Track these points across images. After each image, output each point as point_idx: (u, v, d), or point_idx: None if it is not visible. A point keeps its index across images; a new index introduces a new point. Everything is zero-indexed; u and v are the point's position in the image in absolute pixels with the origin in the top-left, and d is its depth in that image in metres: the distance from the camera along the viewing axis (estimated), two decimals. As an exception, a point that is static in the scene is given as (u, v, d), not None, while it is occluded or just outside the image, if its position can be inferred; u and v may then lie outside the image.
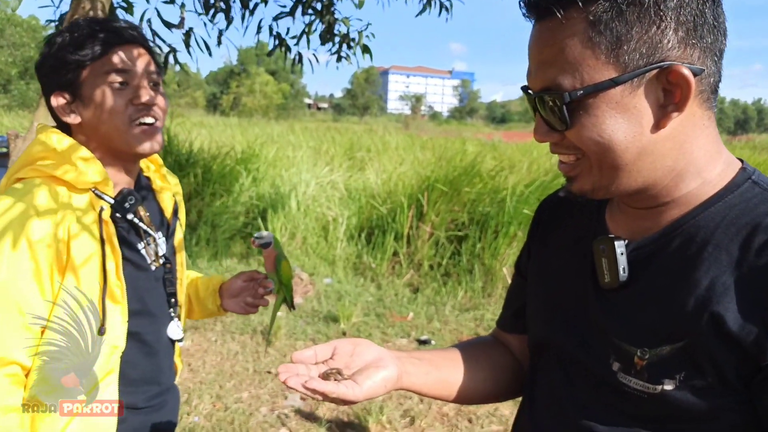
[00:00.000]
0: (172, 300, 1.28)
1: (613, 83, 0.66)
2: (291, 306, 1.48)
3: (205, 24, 2.93)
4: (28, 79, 32.37)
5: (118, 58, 1.09)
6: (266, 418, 3.05)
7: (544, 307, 0.88)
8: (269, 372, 3.59)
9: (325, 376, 0.75)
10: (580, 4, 0.65)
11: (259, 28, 3.04)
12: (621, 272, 0.74)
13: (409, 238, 5.73)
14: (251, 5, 2.90)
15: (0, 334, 0.98)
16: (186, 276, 1.44)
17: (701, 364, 0.66)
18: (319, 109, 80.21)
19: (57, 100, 1.11)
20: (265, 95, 56.01)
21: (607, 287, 0.75)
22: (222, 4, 2.85)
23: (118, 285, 1.10)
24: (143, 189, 1.27)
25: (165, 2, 2.62)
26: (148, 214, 1.24)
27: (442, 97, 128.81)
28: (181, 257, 1.35)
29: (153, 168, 1.32)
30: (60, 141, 1.09)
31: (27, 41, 33.67)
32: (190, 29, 2.72)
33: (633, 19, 0.64)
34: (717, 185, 0.72)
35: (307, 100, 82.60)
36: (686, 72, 0.65)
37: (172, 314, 1.29)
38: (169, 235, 1.29)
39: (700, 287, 0.67)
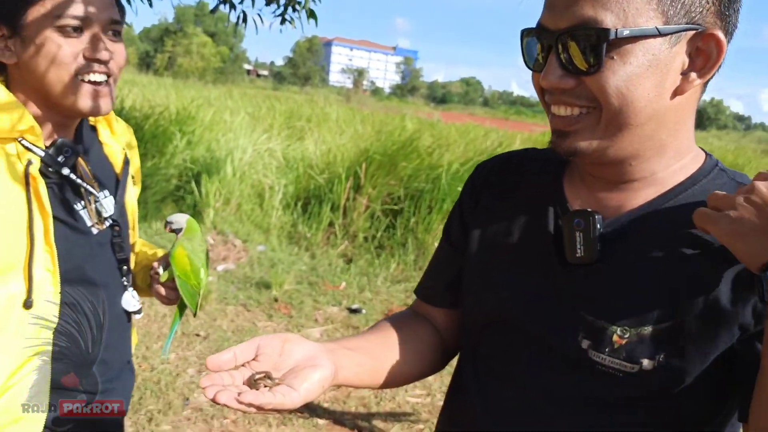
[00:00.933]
0: (124, 267, 1.13)
1: (657, 32, 0.63)
2: (192, 311, 1.17)
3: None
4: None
5: (73, 8, 0.92)
6: (193, 379, 3.05)
7: (493, 279, 0.82)
8: (197, 335, 3.57)
9: (252, 383, 0.65)
10: None
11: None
12: (597, 247, 0.71)
13: (346, 210, 5.77)
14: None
15: None
16: (136, 241, 1.27)
17: (684, 346, 0.66)
18: (258, 76, 78.15)
19: None
20: (202, 57, 53.98)
21: (577, 262, 0.73)
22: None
23: (47, 250, 0.95)
24: (86, 140, 1.10)
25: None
26: (90, 168, 1.07)
27: (385, 73, 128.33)
28: (132, 219, 1.20)
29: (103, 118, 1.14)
30: None
31: None
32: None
33: None
34: (690, 169, 0.73)
35: (247, 66, 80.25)
36: (722, 38, 0.65)
37: (125, 283, 1.14)
38: (117, 194, 1.13)
39: (689, 270, 0.67)
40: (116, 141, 1.17)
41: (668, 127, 0.70)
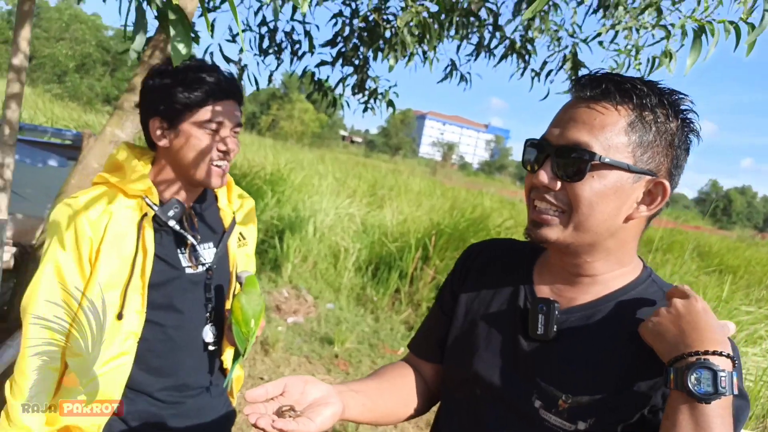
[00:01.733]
0: (209, 305, 1.37)
1: (628, 168, 0.84)
2: (241, 352, 1.35)
3: (257, 63, 3.37)
4: (82, 73, 33.63)
5: (216, 110, 1.27)
6: (245, 419, 3.33)
7: (471, 344, 0.99)
8: (261, 378, 3.89)
9: (279, 413, 0.81)
10: (635, 101, 0.84)
11: (304, 72, 3.49)
12: (554, 329, 0.90)
13: (413, 278, 6.04)
14: (300, 53, 3.35)
15: (39, 303, 1.22)
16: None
17: (607, 413, 0.83)
18: (352, 142, 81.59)
19: (154, 124, 1.31)
20: (302, 122, 57.27)
21: (537, 338, 0.90)
22: (275, 49, 3.30)
23: (141, 278, 1.25)
24: (206, 203, 1.41)
25: (228, 41, 3.06)
26: (197, 222, 1.36)
27: (475, 149, 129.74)
28: (233, 267, 1.43)
29: (224, 188, 1.45)
30: (122, 156, 1.32)
31: (88, 38, 35.16)
32: (245, 66, 3.15)
33: (658, 139, 0.85)
34: (630, 276, 0.92)
35: (343, 132, 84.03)
36: (668, 186, 0.86)
37: (208, 318, 1.38)
38: (219, 247, 1.39)
39: (620, 358, 0.85)
40: (229, 207, 1.46)
41: (615, 241, 0.89)
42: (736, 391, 0.74)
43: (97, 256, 1.24)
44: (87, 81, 34.30)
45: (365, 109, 3.43)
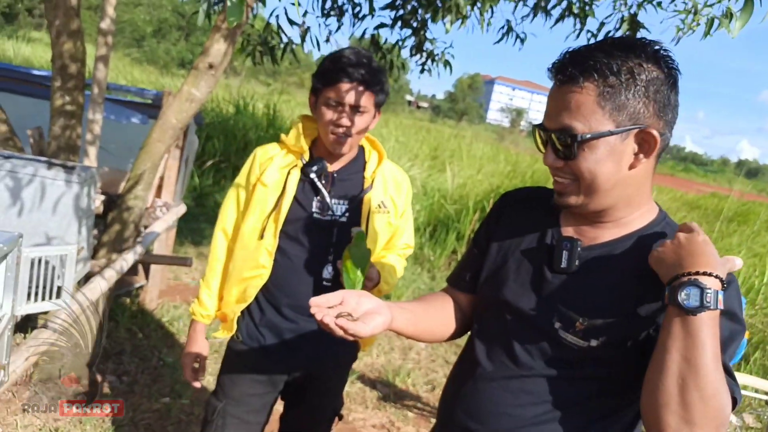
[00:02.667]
0: (330, 249, 1.64)
1: (610, 133, 0.94)
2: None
3: (319, 25, 3.51)
4: (159, 38, 34.84)
5: (338, 91, 1.54)
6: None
7: (502, 275, 1.12)
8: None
9: (339, 317, 0.96)
10: (596, 75, 0.93)
11: (363, 34, 3.61)
12: (576, 263, 1.02)
13: (469, 240, 6.16)
14: (360, 15, 3.46)
15: (222, 213, 1.72)
16: (384, 252, 1.76)
17: (616, 332, 0.96)
18: (418, 107, 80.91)
19: (310, 98, 1.65)
20: (369, 86, 57.02)
21: (561, 271, 1.03)
22: (337, 11, 3.42)
23: (278, 211, 1.60)
24: (352, 168, 1.69)
25: (291, 4, 3.22)
26: (334, 180, 1.64)
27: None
28: (372, 227, 1.67)
29: (375, 157, 1.73)
30: (295, 124, 1.70)
31: (164, 3, 36.26)
32: (308, 28, 3.30)
33: (630, 96, 0.93)
34: (647, 218, 1.03)
35: (409, 97, 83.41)
36: (656, 134, 0.95)
37: (329, 259, 1.64)
38: (352, 206, 1.66)
39: (632, 287, 0.97)
40: (372, 176, 1.69)
41: (631, 188, 1.00)
42: (721, 306, 0.85)
43: (254, 189, 1.63)
44: (163, 45, 35.60)
45: (422, 71, 3.52)
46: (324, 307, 0.97)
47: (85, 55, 2.55)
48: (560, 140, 0.97)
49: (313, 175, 1.61)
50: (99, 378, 2.95)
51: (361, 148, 1.74)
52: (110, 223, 2.75)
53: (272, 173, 1.63)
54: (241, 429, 1.69)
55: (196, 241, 5.49)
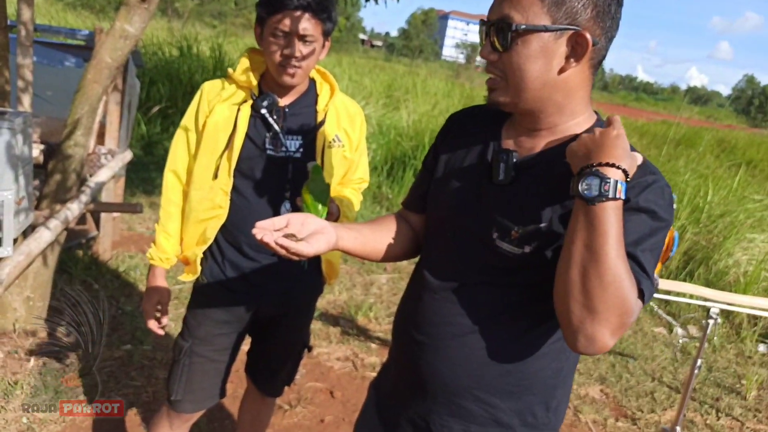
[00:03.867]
0: (286, 185, 1.62)
1: (545, 29, 0.93)
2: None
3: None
4: (92, -20, 32.68)
5: (283, 19, 1.48)
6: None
7: (445, 192, 1.14)
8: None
9: (285, 237, 0.98)
10: None
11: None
12: (512, 174, 1.02)
13: (427, 176, 6.18)
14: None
15: (172, 155, 1.66)
16: (339, 188, 1.74)
17: (545, 239, 0.97)
18: (372, 46, 79.12)
19: (255, 30, 1.58)
20: (320, 25, 55.25)
21: (498, 183, 1.04)
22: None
23: (231, 150, 1.56)
24: (302, 103, 1.64)
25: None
26: (286, 114, 1.60)
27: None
28: (327, 161, 1.65)
29: (327, 90, 1.69)
30: (241, 58, 1.64)
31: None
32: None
33: None
34: (584, 125, 1.02)
35: (362, 36, 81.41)
36: (589, 38, 0.93)
37: (286, 196, 1.62)
38: (306, 141, 1.63)
39: (559, 192, 0.97)
40: (324, 109, 1.66)
41: (560, 93, 0.99)
42: (620, 196, 0.86)
43: (204, 127, 1.59)
44: (98, -12, 33.40)
45: (376, 1, 3.40)
46: (268, 230, 0.98)
47: (2, -9, 2.37)
48: (496, 30, 0.96)
49: (264, 111, 1.57)
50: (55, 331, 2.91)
51: (312, 81, 1.69)
52: (51, 173, 2.64)
53: (221, 110, 1.58)
54: (209, 367, 1.70)
55: (147, 190, 5.35)
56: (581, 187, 0.88)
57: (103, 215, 3.65)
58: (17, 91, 2.73)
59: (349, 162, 1.73)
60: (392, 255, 1.25)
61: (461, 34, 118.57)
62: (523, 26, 0.94)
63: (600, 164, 0.88)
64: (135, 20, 2.38)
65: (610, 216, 0.86)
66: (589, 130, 1.02)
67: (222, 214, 1.62)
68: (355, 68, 14.47)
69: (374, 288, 4.20)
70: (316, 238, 1.01)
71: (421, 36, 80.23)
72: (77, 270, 3.47)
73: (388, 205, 6.03)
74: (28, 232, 2.48)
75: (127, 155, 3.70)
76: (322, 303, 3.72)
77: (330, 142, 1.66)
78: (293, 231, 1.01)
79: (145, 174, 5.75)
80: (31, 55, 2.74)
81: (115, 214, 3.89)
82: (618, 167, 0.88)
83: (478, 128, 1.15)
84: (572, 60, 0.96)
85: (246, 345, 1.88)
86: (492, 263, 1.04)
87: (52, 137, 3.54)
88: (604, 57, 1.01)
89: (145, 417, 2.44)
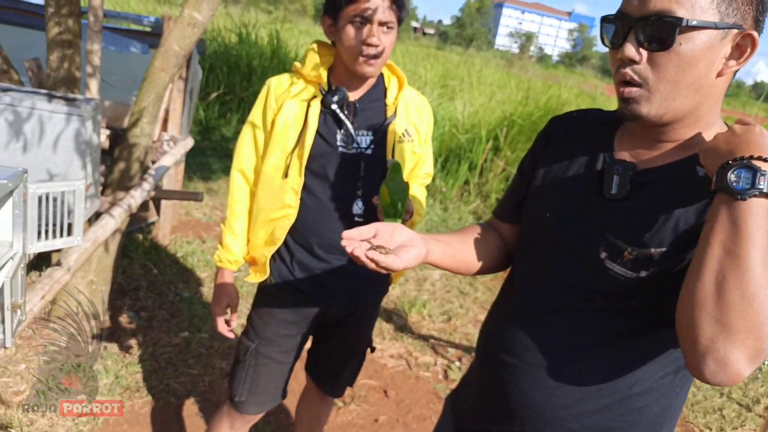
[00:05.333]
0: (358, 183, 1.56)
1: (714, 26, 0.82)
2: None
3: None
4: (154, -35, 33.39)
5: (364, 6, 1.41)
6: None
7: (546, 203, 1.04)
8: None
9: (371, 250, 0.92)
10: None
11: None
12: (627, 188, 0.92)
13: (482, 170, 6.04)
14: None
15: (238, 153, 1.61)
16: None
17: (669, 262, 0.87)
18: (424, 34, 78.39)
19: (325, 21, 1.51)
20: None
21: (611, 197, 0.93)
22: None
23: (302, 147, 1.51)
24: (372, 96, 1.58)
25: None
26: (356, 110, 1.54)
27: (555, 39, 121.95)
28: (398, 156, 1.58)
29: (395, 84, 1.61)
30: (309, 51, 1.57)
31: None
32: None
33: None
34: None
35: (414, 23, 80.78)
36: (757, 38, 0.85)
37: (358, 194, 1.56)
38: (377, 137, 1.57)
39: (687, 212, 0.87)
40: (395, 103, 1.59)
41: (709, 101, 0.89)
42: None
43: (273, 125, 1.53)
44: (159, -26, 34.21)
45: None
46: (356, 240, 0.93)
47: (77, -23, 2.38)
48: (655, 26, 0.84)
49: (334, 106, 1.51)
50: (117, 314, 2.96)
51: (380, 75, 1.61)
52: (116, 160, 2.67)
53: (291, 107, 1.52)
54: (274, 369, 1.66)
55: (204, 176, 5.41)
56: (729, 178, 0.76)
57: (163, 201, 3.70)
58: (85, 77, 2.76)
59: (417, 157, 1.66)
60: (482, 269, 1.17)
61: (516, 23, 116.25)
62: (695, 22, 0.82)
63: (752, 157, 0.76)
64: (203, 8, 2.35)
65: (760, 215, 0.74)
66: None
67: (292, 214, 1.56)
68: (409, 56, 14.29)
69: (427, 284, 4.12)
70: (405, 251, 0.95)
71: (475, 24, 79.01)
72: (137, 254, 3.53)
73: (441, 198, 5.92)
74: (92, 218, 2.51)
75: (189, 142, 3.73)
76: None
77: (400, 137, 1.59)
78: (382, 242, 0.95)
79: (202, 159, 5.82)
80: (100, 41, 2.76)
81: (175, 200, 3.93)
82: None
83: (585, 135, 1.05)
84: (732, 62, 0.86)
85: (307, 344, 1.84)
86: (598, 287, 0.94)
87: (116, 122, 3.60)
88: None
89: (203, 406, 2.45)
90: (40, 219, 1.62)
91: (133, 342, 2.78)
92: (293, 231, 1.59)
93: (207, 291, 3.39)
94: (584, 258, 0.95)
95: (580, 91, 14.47)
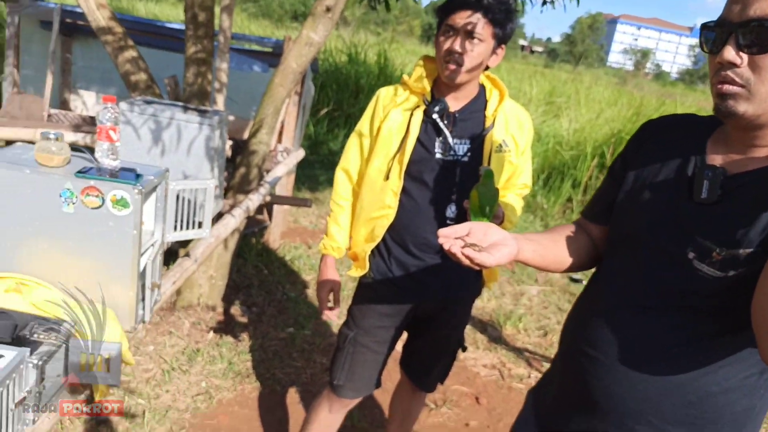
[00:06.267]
0: (453, 188, 1.66)
1: None
2: None
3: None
4: (273, -8, 35.58)
5: (453, 17, 1.55)
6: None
7: (636, 205, 1.07)
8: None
9: (465, 247, 0.99)
10: None
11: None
12: (718, 193, 0.95)
13: (587, 188, 5.90)
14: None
15: (345, 156, 1.79)
16: (503, 192, 1.74)
17: (756, 263, 0.89)
18: (532, 52, 77.08)
19: (435, 38, 1.65)
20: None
21: (701, 201, 0.96)
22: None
23: (403, 153, 1.64)
24: (472, 108, 1.68)
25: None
26: (456, 120, 1.65)
27: (675, 56, 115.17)
28: (493, 165, 1.66)
29: (496, 96, 1.70)
30: (417, 65, 1.71)
31: (278, -43, 36.77)
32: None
33: None
34: None
35: (522, 42, 79.65)
36: None
37: (452, 198, 1.66)
38: (474, 146, 1.67)
39: None
40: (494, 114, 1.67)
41: None
42: None
43: (378, 132, 1.68)
44: (277, -1, 36.46)
45: (544, 3, 3.34)
46: (451, 237, 1.00)
47: (213, 3, 2.69)
48: (757, 30, 0.86)
49: (435, 116, 1.63)
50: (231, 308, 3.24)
51: (482, 87, 1.71)
52: (237, 166, 2.94)
53: (396, 115, 1.66)
54: (369, 357, 1.80)
55: (312, 187, 5.73)
56: None
57: (275, 207, 3.99)
58: (214, 92, 3.08)
59: (514, 167, 1.73)
60: (571, 266, 1.23)
61: (630, 39, 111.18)
62: None
63: None
64: (319, 29, 2.57)
65: None
66: None
67: (391, 214, 1.69)
68: (514, 74, 14.20)
69: (524, 299, 4.10)
70: (497, 248, 1.01)
71: (586, 41, 76.52)
72: (251, 256, 3.83)
73: (542, 215, 5.86)
74: (214, 218, 2.80)
75: (300, 153, 4.00)
76: (471, 308, 3.72)
77: (497, 147, 1.68)
78: (475, 240, 1.02)
79: (310, 171, 6.16)
80: (227, 60, 3.07)
81: (285, 207, 4.22)
82: None
83: (677, 139, 1.07)
84: None
85: (402, 340, 1.95)
86: (685, 286, 0.97)
87: (237, 134, 3.94)
88: None
89: (303, 396, 2.63)
90: (176, 213, 1.86)
91: (244, 334, 3.03)
92: (391, 230, 1.71)
93: (311, 292, 3.61)
94: (673, 258, 0.98)
95: (698, 108, 13.62)
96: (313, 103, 7.38)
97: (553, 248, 1.18)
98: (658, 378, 1.00)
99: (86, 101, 4.36)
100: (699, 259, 0.94)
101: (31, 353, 1.20)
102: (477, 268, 1.00)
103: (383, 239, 1.74)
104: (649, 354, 1.01)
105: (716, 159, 1.00)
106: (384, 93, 1.73)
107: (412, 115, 1.65)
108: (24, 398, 1.20)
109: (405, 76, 1.72)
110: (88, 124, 3.74)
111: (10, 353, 1.16)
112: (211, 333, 2.98)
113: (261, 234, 4.24)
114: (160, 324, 2.98)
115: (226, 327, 3.06)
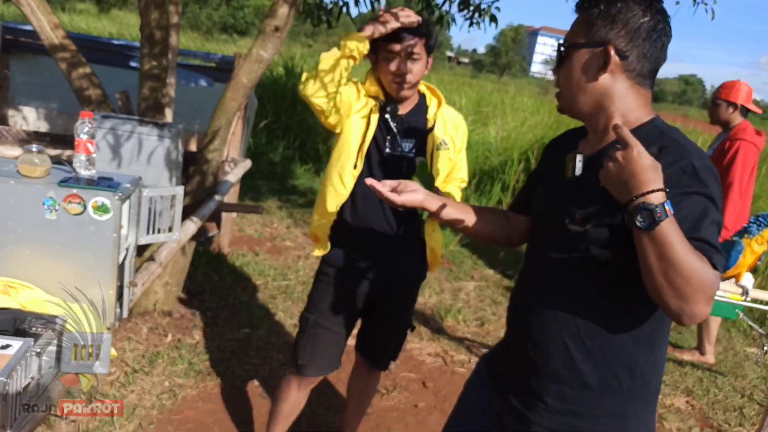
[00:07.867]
0: (400, 179, 1.93)
1: (581, 45, 1.20)
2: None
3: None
4: (201, 3, 35.03)
5: (391, 46, 1.85)
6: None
7: (539, 194, 1.41)
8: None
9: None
10: (585, 5, 1.21)
11: (413, -9, 3.79)
12: (577, 171, 1.23)
13: (515, 190, 6.34)
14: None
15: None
16: (444, 185, 2.02)
17: (601, 218, 1.16)
18: (459, 63, 79.32)
19: (370, 58, 1.93)
20: (408, 43, 56.11)
21: (569, 179, 1.25)
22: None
23: (362, 145, 1.93)
24: (417, 111, 1.99)
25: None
26: (403, 121, 1.95)
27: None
28: (435, 161, 1.96)
29: (435, 102, 2.03)
30: (367, 76, 1.99)
31: (204, -32, 36.23)
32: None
33: (600, 22, 1.18)
34: (632, 125, 1.17)
35: (449, 53, 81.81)
36: (613, 53, 1.16)
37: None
38: (418, 143, 1.98)
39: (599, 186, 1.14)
40: (433, 117, 2.00)
41: (597, 99, 1.21)
42: (670, 214, 1.00)
43: (348, 118, 1.95)
44: (205, 11, 35.92)
45: (470, 24, 3.70)
46: (381, 185, 1.35)
47: (168, 22, 2.84)
48: (559, 51, 1.25)
49: (387, 116, 1.93)
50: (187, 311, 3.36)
51: (423, 95, 2.02)
52: (192, 175, 3.09)
53: (359, 111, 1.95)
54: (329, 337, 2.02)
55: (254, 197, 5.86)
56: (637, 222, 1.02)
57: (223, 216, 4.12)
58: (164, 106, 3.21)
59: (453, 163, 2.03)
60: (485, 235, 1.52)
61: (550, 50, 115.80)
62: (566, 45, 1.24)
63: (641, 195, 1.02)
64: (269, 47, 2.78)
65: (669, 229, 1.01)
66: (637, 131, 1.17)
67: (345, 194, 1.96)
68: (443, 85, 14.73)
69: (462, 294, 4.42)
70: (408, 194, 1.37)
71: (510, 53, 79.56)
72: (201, 263, 3.94)
73: (475, 217, 6.23)
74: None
75: (248, 163, 4.17)
76: (414, 304, 4.00)
77: (438, 145, 1.98)
78: (400, 189, 1.38)
79: (252, 182, 6.29)
80: (175, 76, 3.22)
81: (233, 216, 4.36)
82: (656, 190, 1.02)
83: (566, 144, 1.38)
84: (600, 71, 1.21)
85: (356, 327, 2.17)
86: (566, 244, 1.25)
87: (184, 146, 4.05)
88: (647, 70, 1.21)
89: (266, 388, 2.80)
90: (147, 218, 2.01)
91: (202, 336, 3.16)
92: (348, 216, 1.98)
93: (262, 296, 3.78)
94: (556, 225, 1.28)
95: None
96: (252, 115, 7.50)
97: (472, 215, 1.47)
98: (569, 318, 1.26)
99: (27, 116, 4.35)
100: (570, 221, 1.23)
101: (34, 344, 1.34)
102: (394, 206, 1.36)
103: (341, 225, 1.99)
104: (545, 303, 1.29)
105: (583, 148, 1.30)
106: (358, 86, 1.98)
107: (371, 112, 1.94)
108: (29, 384, 1.34)
109: (367, 83, 1.99)
110: (33, 138, 3.76)
111: (17, 343, 1.30)
112: (170, 336, 3.10)
113: (209, 242, 4.36)
114: (118, 330, 3.06)
115: (184, 331, 3.19)
